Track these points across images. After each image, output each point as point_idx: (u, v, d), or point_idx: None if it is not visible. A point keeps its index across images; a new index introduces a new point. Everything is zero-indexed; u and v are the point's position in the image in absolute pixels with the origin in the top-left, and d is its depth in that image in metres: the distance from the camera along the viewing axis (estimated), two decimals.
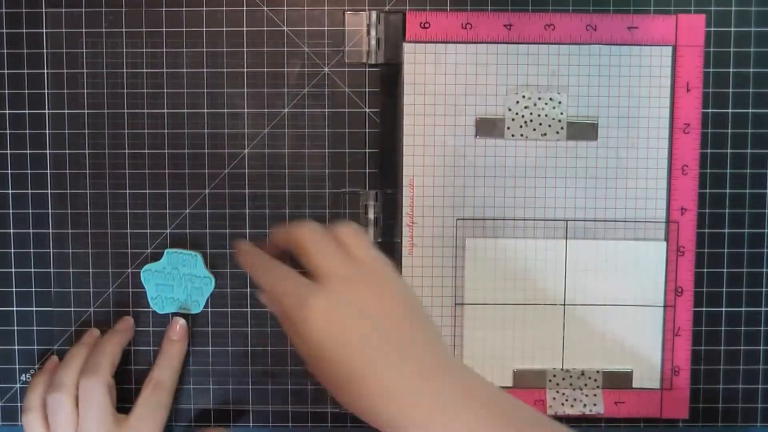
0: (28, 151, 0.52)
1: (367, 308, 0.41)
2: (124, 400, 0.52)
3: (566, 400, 0.52)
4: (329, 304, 0.40)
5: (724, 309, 0.53)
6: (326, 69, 0.51)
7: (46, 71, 0.51)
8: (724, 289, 0.53)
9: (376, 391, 0.40)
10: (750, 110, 0.52)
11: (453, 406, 0.39)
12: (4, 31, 0.51)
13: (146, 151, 0.52)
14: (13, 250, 0.52)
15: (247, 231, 0.52)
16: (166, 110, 0.51)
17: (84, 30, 0.51)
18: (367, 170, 0.52)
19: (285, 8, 0.51)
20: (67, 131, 0.52)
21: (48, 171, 0.52)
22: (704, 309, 0.53)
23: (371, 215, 0.52)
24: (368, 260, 0.42)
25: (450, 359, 0.42)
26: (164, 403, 0.50)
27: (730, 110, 0.52)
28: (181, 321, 0.53)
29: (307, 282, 0.41)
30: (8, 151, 0.52)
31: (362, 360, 0.40)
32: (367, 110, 0.52)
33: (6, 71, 0.51)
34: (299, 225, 0.44)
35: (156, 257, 0.52)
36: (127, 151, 0.52)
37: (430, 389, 0.40)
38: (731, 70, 0.51)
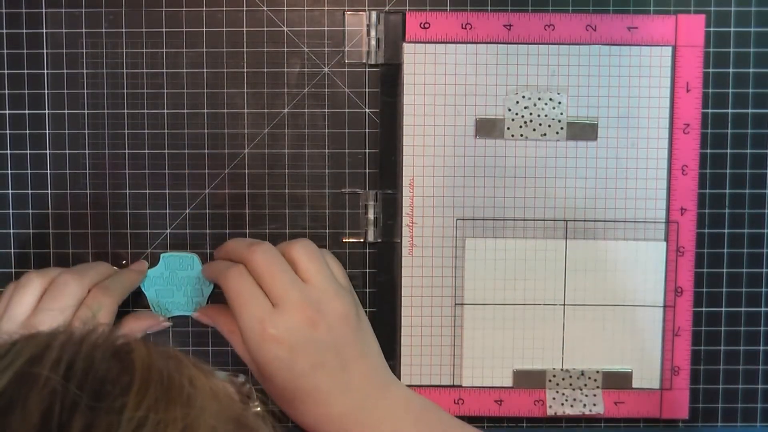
0: (28, 151, 0.52)
1: (316, 336, 0.44)
2: None
3: (566, 400, 0.52)
4: (283, 333, 0.43)
5: (724, 309, 0.53)
6: (326, 69, 0.51)
7: (46, 71, 0.51)
8: (724, 289, 0.53)
9: (322, 411, 0.44)
10: (750, 110, 0.52)
11: (392, 423, 0.44)
12: (4, 31, 0.51)
13: (146, 151, 0.52)
14: (13, 250, 0.52)
15: (247, 231, 0.52)
16: (166, 110, 0.51)
17: (84, 30, 0.51)
18: (367, 170, 0.52)
19: (285, 8, 0.51)
20: (67, 131, 0.52)
21: (48, 171, 0.52)
22: (704, 309, 0.53)
23: (371, 215, 0.52)
24: (315, 280, 0.45)
25: (387, 377, 0.46)
26: (105, 303, 0.47)
27: (729, 110, 0.52)
28: (145, 264, 0.52)
29: (266, 304, 0.44)
30: (8, 152, 0.52)
31: (310, 385, 0.44)
32: (367, 110, 0.52)
33: (6, 71, 0.51)
34: (252, 247, 0.46)
35: (156, 257, 0.52)
36: (127, 151, 0.52)
37: (372, 409, 0.44)
38: (731, 70, 0.51)
